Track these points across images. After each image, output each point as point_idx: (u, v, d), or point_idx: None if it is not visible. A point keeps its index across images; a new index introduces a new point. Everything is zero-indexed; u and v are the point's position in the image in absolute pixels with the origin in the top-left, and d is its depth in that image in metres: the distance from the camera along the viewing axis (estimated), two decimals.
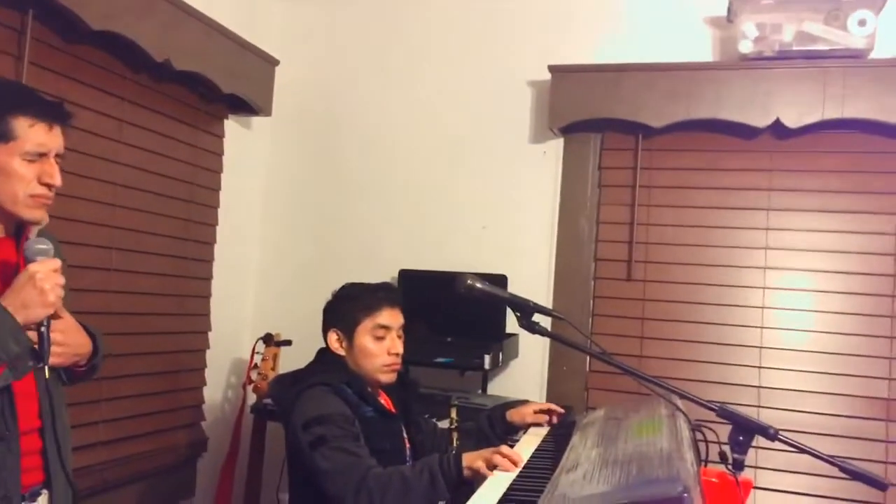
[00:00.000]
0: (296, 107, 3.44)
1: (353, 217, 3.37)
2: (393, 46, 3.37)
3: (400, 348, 2.08)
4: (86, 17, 2.19)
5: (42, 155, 1.50)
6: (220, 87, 2.88)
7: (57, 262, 1.48)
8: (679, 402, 1.84)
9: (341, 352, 2.06)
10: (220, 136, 3.15)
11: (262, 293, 3.48)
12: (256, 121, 3.37)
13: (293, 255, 3.44)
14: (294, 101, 3.43)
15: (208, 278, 3.12)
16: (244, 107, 3.15)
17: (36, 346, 1.44)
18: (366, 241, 3.34)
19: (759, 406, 2.79)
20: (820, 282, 2.80)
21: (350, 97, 3.41)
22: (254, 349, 3.11)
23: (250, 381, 3.04)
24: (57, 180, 1.52)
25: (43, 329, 1.44)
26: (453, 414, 2.18)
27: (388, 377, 2.08)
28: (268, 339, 3.06)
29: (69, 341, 1.54)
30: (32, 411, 1.54)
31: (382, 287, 2.15)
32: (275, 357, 3.04)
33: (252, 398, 2.99)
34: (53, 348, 1.46)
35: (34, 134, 1.48)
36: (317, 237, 3.42)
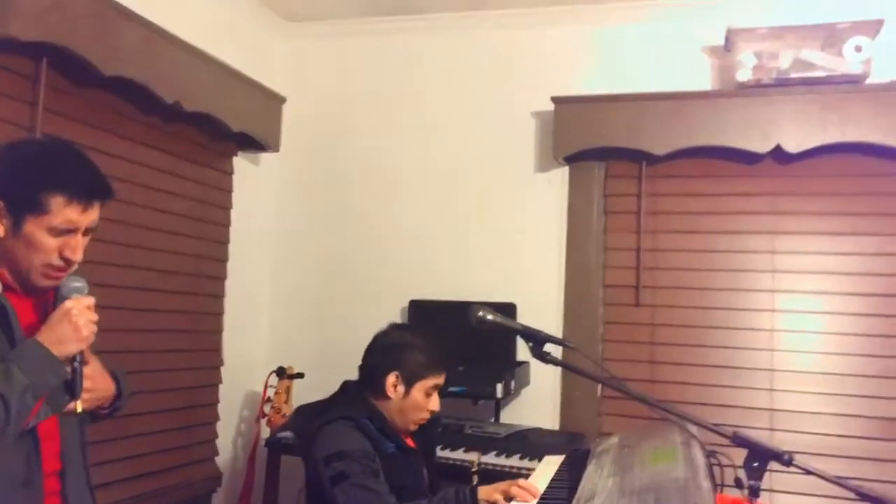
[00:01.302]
0: (303, 142, 3.50)
1: (363, 249, 3.41)
2: (398, 80, 3.43)
3: (439, 407, 2.12)
4: (98, 64, 2.25)
5: (69, 231, 1.50)
6: (230, 126, 2.93)
7: (91, 300, 1.52)
8: (693, 429, 1.86)
9: (392, 395, 2.05)
10: (230, 173, 3.20)
11: (273, 326, 3.50)
12: (265, 157, 3.42)
13: (304, 288, 3.47)
14: (301, 136, 3.48)
15: (220, 313, 3.15)
16: (253, 144, 3.20)
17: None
18: (376, 273, 3.37)
19: (771, 429, 2.81)
20: (828, 303, 2.82)
21: (357, 131, 3.46)
22: (266, 382, 3.13)
23: (264, 415, 3.06)
24: (77, 257, 1.52)
25: (76, 364, 1.48)
26: (475, 459, 2.17)
27: (414, 428, 2.11)
28: (280, 373, 3.09)
29: (96, 386, 1.56)
30: (54, 453, 1.55)
31: (446, 350, 2.15)
32: (288, 390, 3.06)
33: (266, 432, 3.00)
34: (82, 394, 1.49)
35: (67, 212, 1.48)
36: (327, 270, 3.45)
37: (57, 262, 1.51)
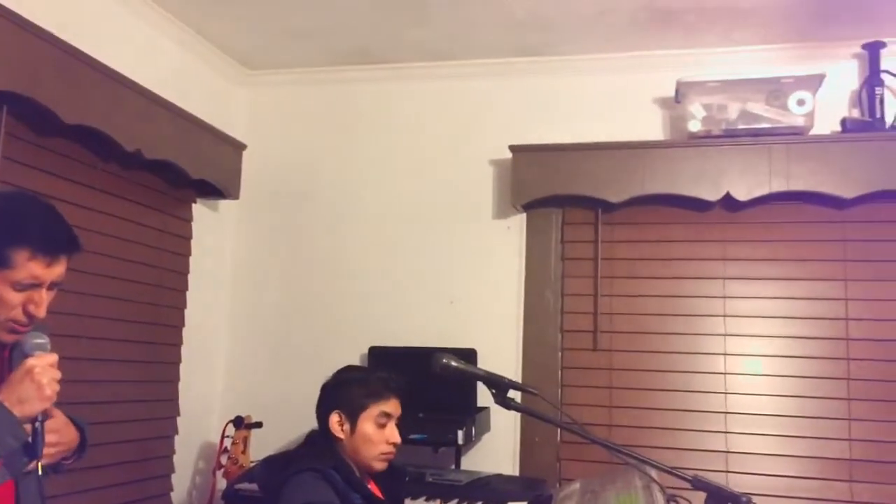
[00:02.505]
0: (262, 189, 3.50)
1: (321, 296, 3.40)
2: (358, 127, 3.47)
3: (398, 438, 2.08)
4: (60, 113, 2.24)
5: (34, 286, 1.48)
6: (189, 173, 2.92)
7: (54, 357, 1.48)
8: (653, 473, 1.89)
9: (341, 435, 2.03)
10: (189, 220, 3.18)
11: (231, 375, 3.45)
12: (223, 204, 3.41)
13: (262, 336, 3.44)
14: (260, 183, 3.49)
15: (177, 362, 3.10)
16: (212, 191, 3.20)
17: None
18: (335, 320, 3.36)
19: (727, 471, 2.85)
20: (777, 347, 2.91)
21: (316, 178, 3.48)
22: (223, 433, 3.07)
23: (220, 466, 3.00)
24: (40, 313, 1.50)
25: (37, 425, 1.43)
26: None
27: (382, 465, 2.07)
28: (238, 422, 3.03)
29: (62, 439, 1.53)
30: None
31: (390, 375, 2.13)
32: (245, 440, 3.01)
33: (222, 484, 2.94)
34: (47, 449, 1.45)
35: (31, 267, 1.46)
36: (285, 317, 3.43)
37: (20, 317, 1.48)
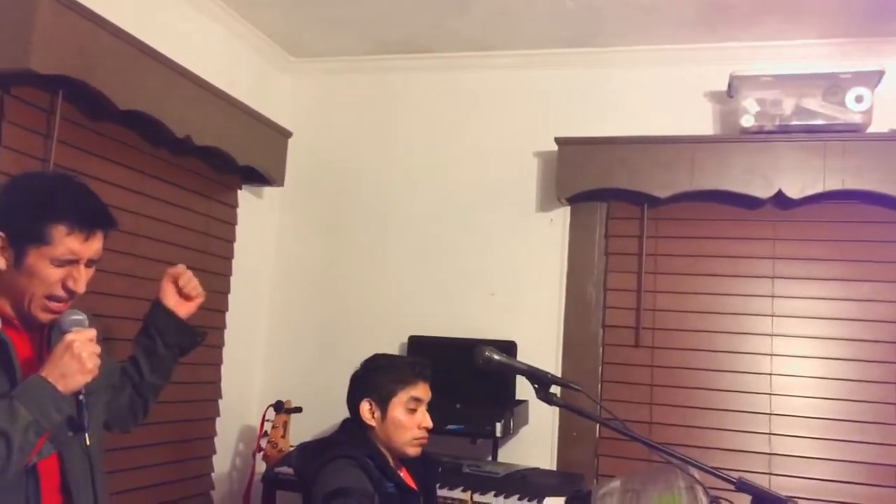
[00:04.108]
0: (306, 177, 3.52)
1: (363, 284, 3.42)
2: (402, 117, 3.47)
3: (430, 422, 2.08)
4: (114, 98, 2.27)
5: (72, 261, 1.52)
6: (236, 160, 2.95)
7: (92, 332, 1.51)
8: (696, 473, 1.86)
9: (372, 422, 2.04)
10: (234, 206, 3.22)
11: (272, 360, 3.49)
12: (267, 190, 3.44)
13: (304, 323, 3.47)
14: (304, 171, 3.51)
15: (219, 346, 3.15)
16: (257, 177, 3.22)
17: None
18: (375, 308, 3.37)
19: (770, 473, 2.81)
20: (826, 349, 2.84)
21: (359, 167, 3.49)
22: (264, 417, 3.11)
23: (260, 450, 3.03)
24: (79, 288, 1.53)
25: (81, 398, 1.47)
26: (469, 498, 2.15)
27: (415, 451, 2.08)
28: (278, 407, 3.06)
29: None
30: (54, 487, 1.54)
31: (417, 360, 2.16)
32: (285, 425, 3.04)
33: (262, 467, 2.98)
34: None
35: (68, 242, 1.50)
36: (327, 304, 3.46)
37: (59, 292, 1.52)
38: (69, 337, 1.47)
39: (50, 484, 1.52)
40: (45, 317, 1.53)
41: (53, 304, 1.53)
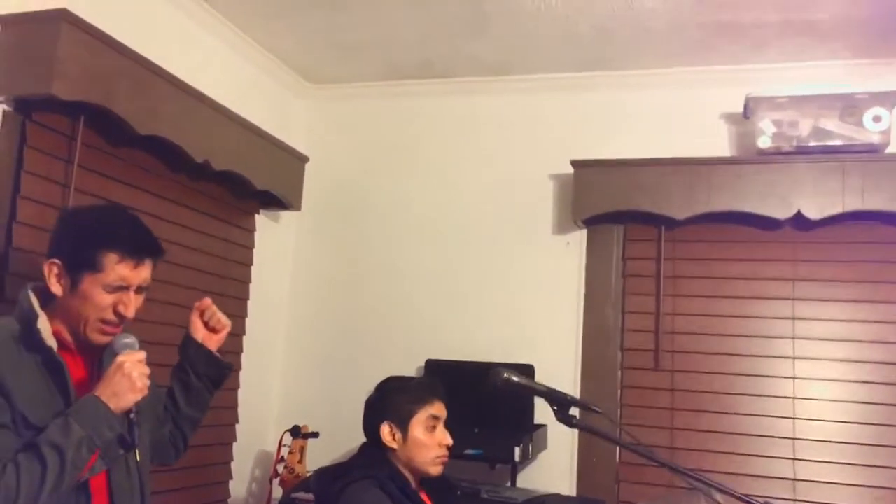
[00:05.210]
0: (322, 201, 3.54)
1: (379, 308, 3.41)
2: (418, 142, 3.49)
3: (450, 440, 2.08)
4: (134, 123, 2.30)
5: (123, 287, 1.60)
6: (254, 184, 2.97)
7: (142, 354, 1.60)
8: (720, 498, 1.82)
9: (393, 445, 2.03)
10: (252, 231, 3.24)
11: (288, 384, 3.48)
12: (284, 215, 3.46)
13: (320, 347, 3.47)
14: (320, 195, 3.52)
15: (237, 370, 3.14)
16: (275, 202, 3.24)
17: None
18: (392, 332, 3.37)
19: (794, 500, 2.76)
20: (850, 371, 2.80)
21: (375, 191, 3.51)
22: (280, 442, 3.09)
23: (277, 475, 3.02)
24: (129, 313, 1.62)
25: (132, 416, 1.55)
26: None
27: (438, 469, 2.07)
28: (295, 432, 3.05)
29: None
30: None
31: (429, 380, 2.19)
32: (302, 450, 3.02)
33: (278, 492, 2.96)
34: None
35: (119, 269, 1.58)
36: (344, 328, 3.45)
37: (111, 317, 1.60)
38: (120, 358, 1.56)
39: (100, 501, 1.59)
40: (99, 339, 1.62)
41: (107, 328, 1.61)
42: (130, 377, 1.53)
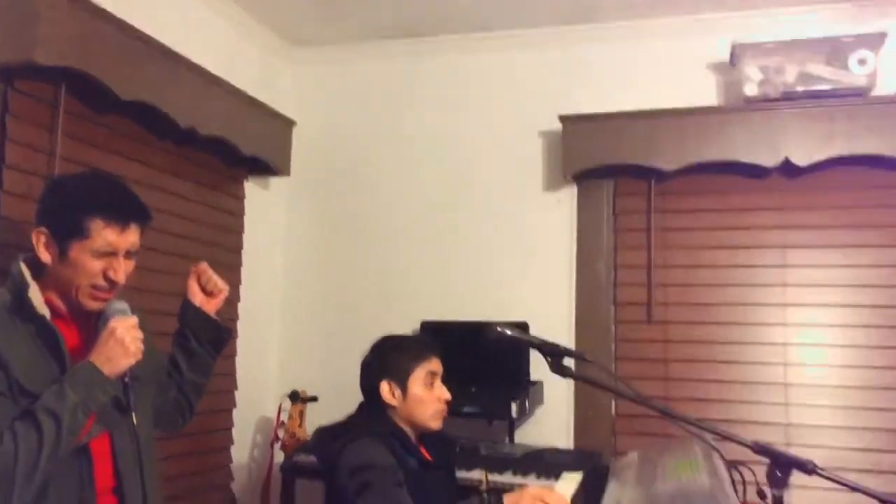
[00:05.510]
0: (311, 165, 3.52)
1: (373, 270, 3.42)
2: (406, 102, 3.47)
3: (448, 395, 2.10)
4: (116, 89, 2.28)
5: (111, 253, 1.60)
6: (242, 150, 2.95)
7: (134, 319, 1.61)
8: (713, 441, 1.85)
9: (393, 402, 2.05)
10: (241, 198, 3.22)
11: (285, 350, 3.50)
12: (274, 181, 3.45)
13: (315, 311, 3.48)
14: (310, 159, 3.51)
15: (233, 337, 3.15)
16: (263, 168, 3.23)
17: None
18: (386, 294, 3.38)
19: (787, 444, 2.79)
20: (840, 316, 2.83)
21: (364, 153, 3.49)
22: (280, 407, 3.12)
23: (277, 440, 3.05)
24: (119, 278, 1.62)
25: (127, 380, 1.57)
26: (484, 478, 2.13)
27: (437, 423, 2.09)
28: (294, 397, 3.07)
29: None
30: (108, 471, 1.63)
31: (424, 337, 2.21)
32: (301, 414, 3.05)
33: (280, 456, 2.99)
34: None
35: (106, 234, 1.58)
36: (338, 292, 3.46)
37: (101, 283, 1.61)
38: (112, 323, 1.57)
39: (103, 465, 1.62)
40: (92, 305, 1.63)
41: (99, 294, 1.62)
42: (123, 342, 1.54)
